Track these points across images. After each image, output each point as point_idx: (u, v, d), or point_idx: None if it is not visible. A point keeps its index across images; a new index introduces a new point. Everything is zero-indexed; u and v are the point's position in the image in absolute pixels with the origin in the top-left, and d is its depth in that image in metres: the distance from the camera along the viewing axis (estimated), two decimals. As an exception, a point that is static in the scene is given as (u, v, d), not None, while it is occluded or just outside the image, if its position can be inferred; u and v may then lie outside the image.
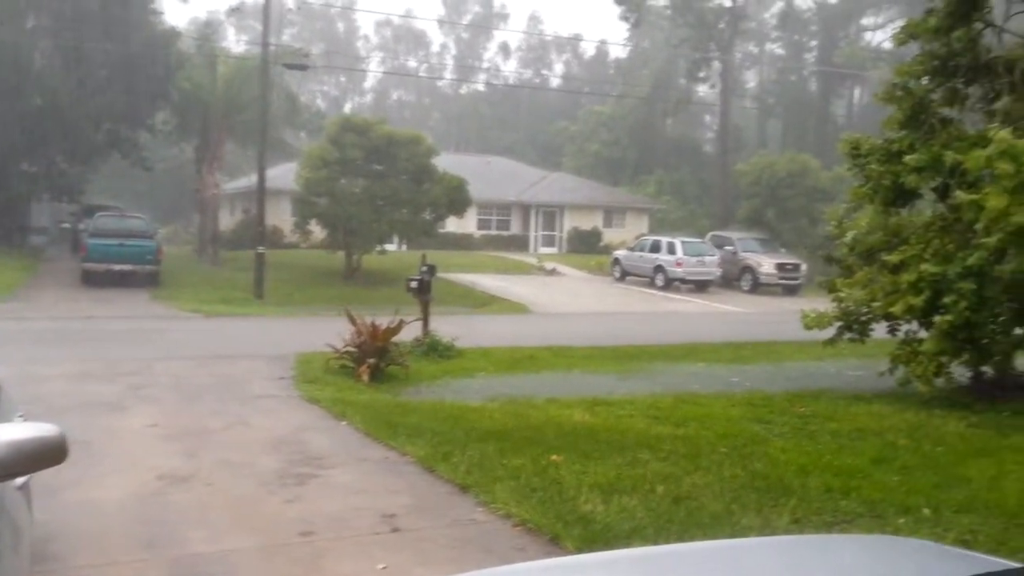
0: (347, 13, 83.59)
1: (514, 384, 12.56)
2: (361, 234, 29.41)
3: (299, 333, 17.72)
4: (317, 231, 31.06)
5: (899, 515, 6.18)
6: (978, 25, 11.73)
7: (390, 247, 31.95)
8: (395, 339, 13.22)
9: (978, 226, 10.14)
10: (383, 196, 29.37)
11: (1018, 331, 11.80)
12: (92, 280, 26.72)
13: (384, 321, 13.15)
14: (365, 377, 12.32)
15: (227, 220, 41.05)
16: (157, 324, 20.03)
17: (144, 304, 24.24)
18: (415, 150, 29.83)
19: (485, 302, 28.02)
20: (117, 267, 26.69)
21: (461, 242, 42.59)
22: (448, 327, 15.76)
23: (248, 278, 27.01)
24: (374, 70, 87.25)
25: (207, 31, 38.40)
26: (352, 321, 13.07)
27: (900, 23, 13.30)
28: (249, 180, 35.31)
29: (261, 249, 26.47)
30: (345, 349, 12.94)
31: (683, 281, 32.86)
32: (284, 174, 33.98)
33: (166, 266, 28.41)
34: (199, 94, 33.51)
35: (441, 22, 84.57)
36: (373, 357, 12.63)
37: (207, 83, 33.75)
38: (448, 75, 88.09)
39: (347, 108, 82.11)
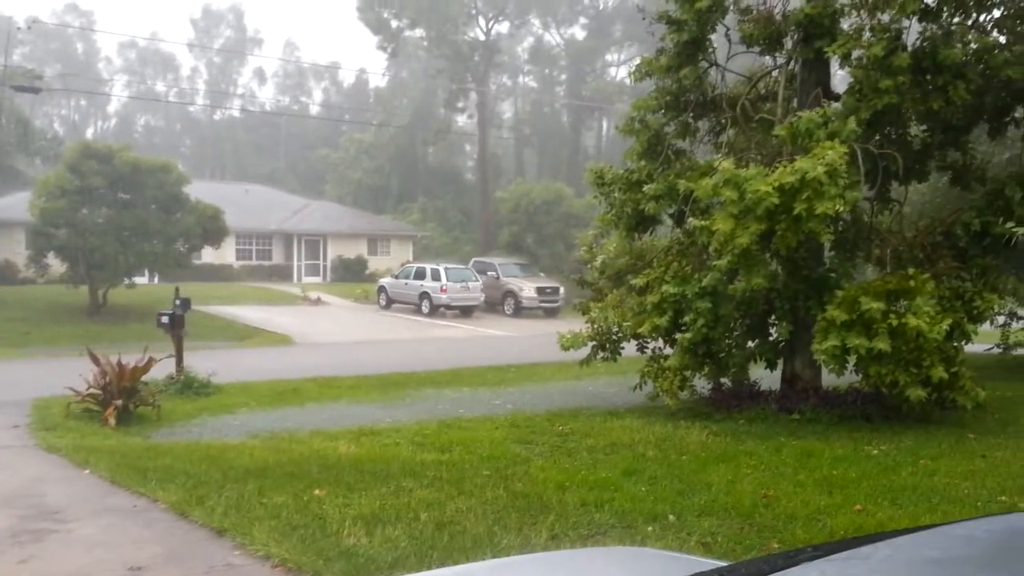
0: (87, 34, 78.62)
1: (277, 419, 12.25)
2: (106, 267, 27.59)
3: (37, 376, 16.38)
4: (56, 265, 28.82)
5: (648, 523, 6.58)
6: (703, 64, 12.82)
7: (140, 280, 30.26)
8: (145, 378, 12.55)
9: (710, 249, 11.02)
10: (130, 227, 27.75)
11: (751, 344, 12.92)
12: None
13: (133, 359, 12.44)
14: (112, 420, 11.59)
15: (-49, 256, 37.31)
16: None
17: None
18: (165, 178, 28.48)
19: (246, 335, 27.12)
20: None
21: (220, 273, 41.05)
22: (206, 362, 15.14)
23: (-23, 319, 24.69)
24: (118, 94, 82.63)
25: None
26: (95, 361, 12.27)
27: (638, 60, 14.28)
28: (-24, 212, 32.34)
29: (-8, 287, 24.29)
30: (88, 392, 12.12)
31: (448, 307, 33.33)
32: (16, 204, 31.44)
33: None
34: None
35: (191, 46, 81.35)
36: (120, 399, 11.91)
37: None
38: (200, 100, 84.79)
39: (89, 134, 77.08)
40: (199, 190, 30.55)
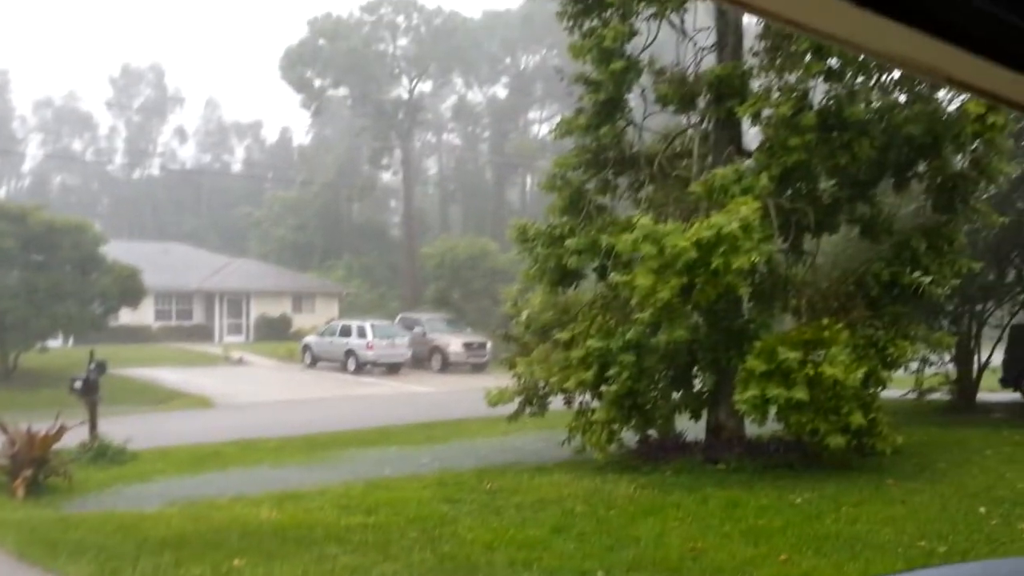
0: (0, 92, 76.89)
1: (196, 485, 11.91)
2: (17, 330, 26.67)
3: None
4: (-36, 330, 27.76)
5: (576, 580, 6.58)
6: (621, 123, 13.14)
7: (54, 344, 29.32)
8: (57, 446, 12.09)
9: (633, 303, 11.20)
10: (43, 288, 26.92)
11: (676, 396, 13.10)
12: None
13: (44, 427, 12.01)
14: (20, 492, 11.13)
15: None
16: None
17: None
18: (80, 238, 27.82)
19: (165, 398, 26.39)
20: None
21: (138, 335, 40.00)
22: (121, 428, 14.67)
23: None
24: (32, 153, 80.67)
25: None
26: (3, 430, 11.81)
27: (559, 119, 14.58)
28: None
29: None
30: (-5, 462, 11.63)
31: (375, 364, 33.01)
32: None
33: None
34: None
35: (110, 104, 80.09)
36: (30, 469, 11.43)
37: None
38: (119, 159, 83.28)
39: (2, 193, 74.99)
40: (117, 250, 29.91)
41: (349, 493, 10.83)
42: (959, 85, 2.03)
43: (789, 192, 12.29)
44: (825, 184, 12.95)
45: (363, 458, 14.28)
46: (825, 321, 11.01)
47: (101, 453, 13.74)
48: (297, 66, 55.91)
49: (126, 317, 34.46)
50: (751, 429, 12.83)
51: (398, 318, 37.92)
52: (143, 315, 39.36)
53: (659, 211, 12.03)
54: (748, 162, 12.10)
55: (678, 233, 10.26)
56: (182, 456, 14.42)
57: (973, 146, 12.07)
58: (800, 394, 10.12)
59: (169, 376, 30.05)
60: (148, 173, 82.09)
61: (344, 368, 33.26)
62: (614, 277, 11.50)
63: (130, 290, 28.67)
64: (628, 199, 13.90)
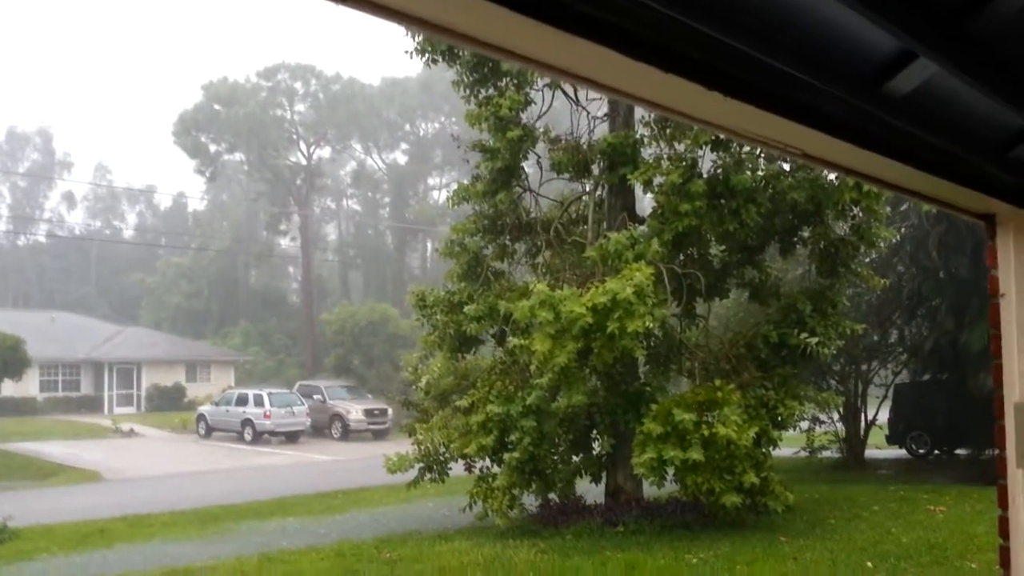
0: None
1: (80, 565, 11.38)
2: None
3: None
4: None
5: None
6: (518, 190, 13.41)
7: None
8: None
9: (532, 368, 11.32)
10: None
11: (575, 459, 13.19)
12: None
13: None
14: None
15: None
16: None
17: None
18: (-39, 309, 26.66)
19: (50, 472, 25.18)
20: None
21: (21, 407, 38.23)
22: (3, 505, 13.96)
23: None
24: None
25: None
26: None
27: (457, 185, 14.77)
28: None
29: None
30: None
31: (273, 433, 32.23)
32: None
33: None
34: None
35: (-3, 167, 77.35)
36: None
37: None
38: (2, 225, 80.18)
39: None
40: (1, 319, 28.70)
41: (243, 568, 10.51)
42: (815, 160, 2.21)
43: (681, 257, 12.68)
44: (715, 249, 13.39)
45: (259, 531, 13.88)
46: (718, 383, 11.31)
47: (-20, 532, 13.04)
48: (191, 131, 55.25)
49: (9, 389, 33.00)
50: (649, 491, 12.99)
51: (297, 385, 37.21)
52: (28, 386, 37.76)
53: (555, 276, 12.26)
54: (641, 228, 12.45)
55: (574, 299, 10.46)
56: (67, 533, 13.76)
57: (853, 212, 12.69)
58: (695, 455, 10.32)
59: (55, 450, 28.74)
60: (34, 239, 79.25)
61: (241, 438, 32.37)
62: (512, 342, 11.61)
63: (12, 361, 27.52)
64: (525, 264, 14.12)
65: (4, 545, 12.86)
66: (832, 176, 12.18)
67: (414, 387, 14.67)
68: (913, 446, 20.95)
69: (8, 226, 78.30)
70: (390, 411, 34.33)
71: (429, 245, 64.59)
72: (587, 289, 10.68)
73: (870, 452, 20.12)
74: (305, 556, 11.17)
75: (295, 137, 57.88)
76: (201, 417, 34.46)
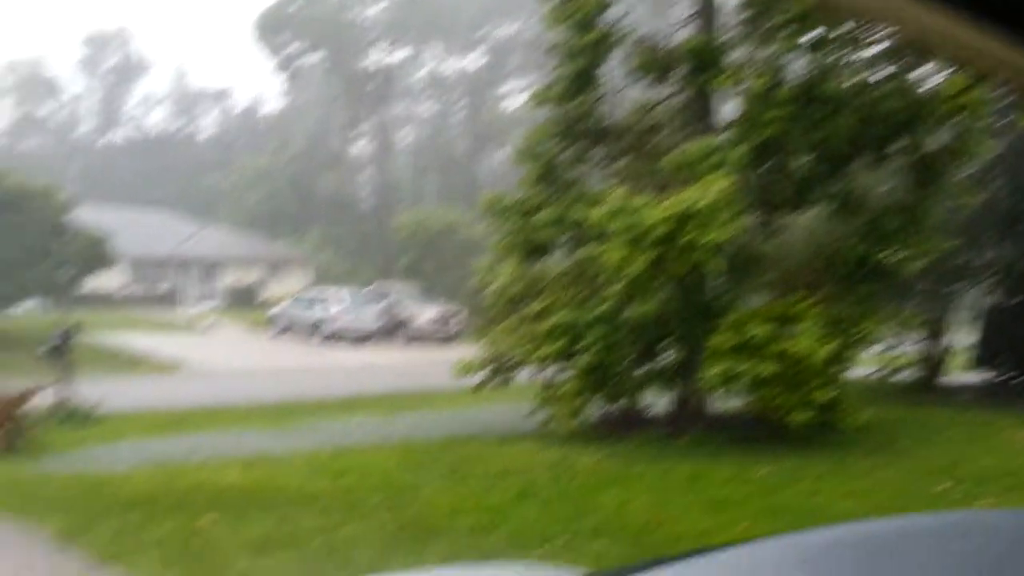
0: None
1: (165, 448, 11.79)
2: (-12, 295, 26.35)
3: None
4: (-70, 294, 27.32)
5: (538, 546, 6.56)
6: (596, 94, 13.01)
7: (25, 309, 28.96)
8: (28, 408, 12.00)
9: (603, 276, 11.17)
10: (13, 253, 26.56)
11: (643, 369, 13.10)
12: None
13: (13, 390, 11.90)
14: (-9, 451, 11.01)
15: None
16: None
17: None
18: (48, 204, 27.40)
19: (134, 364, 26.14)
20: None
21: (108, 301, 39.54)
22: (92, 392, 14.52)
23: None
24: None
25: None
26: (-27, 391, 11.69)
27: (534, 89, 14.41)
28: None
29: None
30: (-36, 424, 11.50)
31: (343, 334, 32.85)
32: None
33: None
34: None
35: (77, 70, 78.65)
36: (1, 428, 11.35)
37: None
38: (87, 125, 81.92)
39: (-30, 156, 73.62)
40: (88, 215, 29.48)
41: (315, 459, 10.76)
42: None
43: (764, 167, 12.24)
44: (800, 160, 12.90)
45: (330, 426, 14.20)
46: (796, 297, 11.02)
47: (71, 416, 13.65)
48: (272, 30, 55.17)
49: (97, 283, 34.08)
50: (717, 404, 12.88)
51: (368, 289, 37.71)
52: (114, 281, 38.93)
53: (632, 184, 11.96)
54: (723, 136, 12.03)
55: (650, 207, 10.21)
56: (150, 420, 14.29)
57: (950, 124, 12.05)
58: (768, 369, 10.15)
59: (138, 342, 29.75)
60: (116, 140, 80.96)
61: (313, 338, 33.09)
62: (585, 251, 11.44)
63: (99, 256, 28.30)
64: (601, 171, 13.80)
65: (91, 429, 13.42)
66: (931, 85, 11.58)
67: (484, 293, 14.65)
68: (1001, 370, 20.21)
69: (92, 127, 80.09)
70: (458, 317, 34.68)
71: (503, 151, 64.18)
72: (664, 197, 10.41)
73: (951, 377, 19.58)
74: (374, 451, 11.38)
75: (373, 38, 57.39)
76: (275, 316, 35.26)
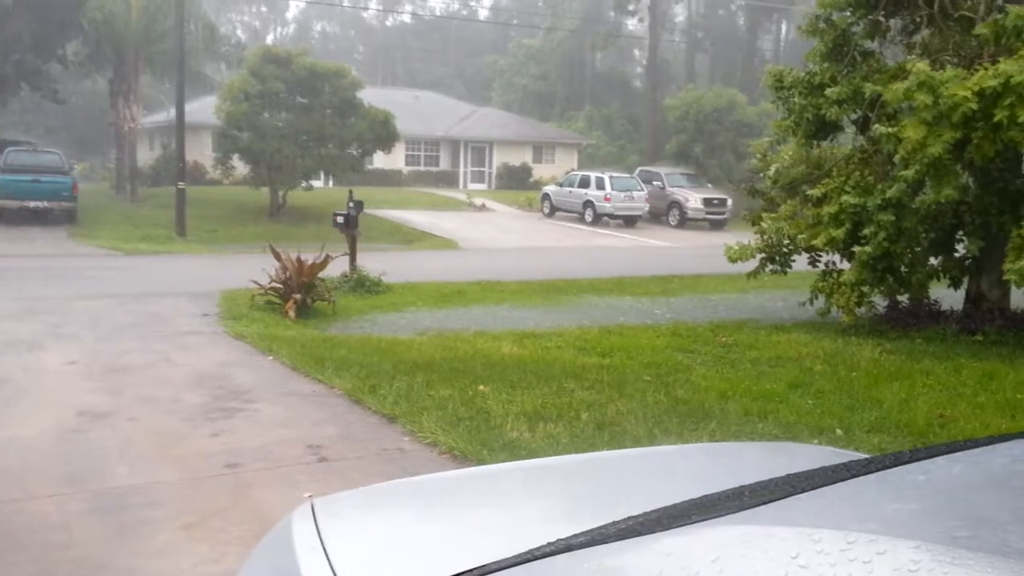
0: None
1: (443, 318, 12.57)
2: (286, 170, 28.76)
3: (223, 270, 17.39)
4: (240, 167, 30.22)
5: (813, 436, 6.39)
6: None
7: (316, 183, 31.39)
8: (321, 275, 13.09)
9: (896, 158, 10.36)
10: (307, 131, 28.72)
11: (934, 261, 12.20)
12: (5, 218, 25.79)
13: (310, 257, 12.99)
14: (291, 313, 12.19)
15: (146, 155, 39.74)
16: (75, 262, 19.46)
17: (61, 242, 23.52)
18: (339, 83, 29.16)
19: (414, 238, 27.85)
20: (32, 204, 25.82)
21: (389, 178, 42.09)
22: (376, 263, 15.66)
23: (169, 215, 26.33)
24: (296, 0, 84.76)
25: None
26: (277, 257, 12.87)
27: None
28: (168, 114, 34.09)
29: (182, 185, 25.71)
30: (271, 285, 12.76)
31: (612, 216, 33.05)
32: (204, 108, 32.94)
33: (83, 203, 27.50)
34: (112, 23, 32.05)
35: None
36: (299, 293, 12.49)
37: (120, 11, 32.30)
38: (374, 6, 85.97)
39: (269, 39, 79.66)
40: (371, 96, 31.10)
41: (584, 336, 11.03)
42: None
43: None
44: None
45: (598, 305, 14.47)
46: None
47: (360, 283, 14.78)
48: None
49: (379, 161, 36.21)
50: (1017, 300, 11.81)
51: (637, 171, 37.50)
52: (395, 159, 41.19)
53: (935, 57, 10.88)
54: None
55: (958, 81, 9.27)
56: (429, 291, 15.21)
57: None
58: (1085, 265, 9.10)
59: (418, 218, 31.58)
60: (400, 20, 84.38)
61: (582, 219, 33.57)
62: (878, 129, 10.60)
63: (384, 135, 29.88)
64: (900, 44, 12.63)
65: (380, 296, 14.51)
66: None
67: (761, 175, 14.09)
68: None
69: (378, 7, 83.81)
70: (729, 201, 33.81)
71: (784, 26, 60.53)
72: (974, 71, 9.40)
73: None
74: (642, 332, 11.50)
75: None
76: (546, 196, 36.01)
